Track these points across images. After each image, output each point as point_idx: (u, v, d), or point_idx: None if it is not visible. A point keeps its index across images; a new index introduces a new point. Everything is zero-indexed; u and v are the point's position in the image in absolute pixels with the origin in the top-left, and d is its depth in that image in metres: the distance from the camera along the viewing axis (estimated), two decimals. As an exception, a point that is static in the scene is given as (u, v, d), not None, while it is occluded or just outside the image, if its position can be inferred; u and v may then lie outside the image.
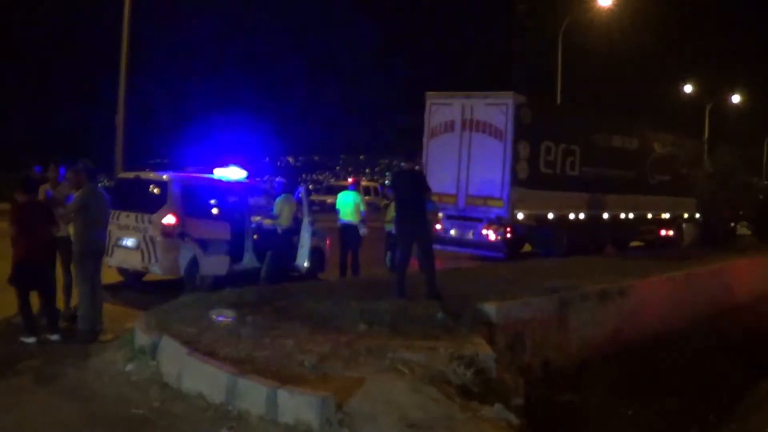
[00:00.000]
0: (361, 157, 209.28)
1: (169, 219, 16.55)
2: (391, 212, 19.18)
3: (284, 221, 18.27)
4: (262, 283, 17.16)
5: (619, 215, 30.37)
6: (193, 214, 17.02)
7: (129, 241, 16.83)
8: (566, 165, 27.23)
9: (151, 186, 17.59)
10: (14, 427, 8.47)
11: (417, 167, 15.17)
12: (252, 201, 18.78)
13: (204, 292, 15.00)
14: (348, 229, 19.52)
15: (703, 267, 24.01)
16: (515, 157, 24.68)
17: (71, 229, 12.90)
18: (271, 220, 18.49)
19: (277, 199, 18.43)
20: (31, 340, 11.83)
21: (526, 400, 11.03)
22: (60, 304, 13.09)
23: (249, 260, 18.19)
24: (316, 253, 19.14)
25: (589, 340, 16.61)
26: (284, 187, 19.31)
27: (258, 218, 18.66)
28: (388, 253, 19.64)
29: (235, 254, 17.77)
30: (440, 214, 20.94)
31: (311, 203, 21.44)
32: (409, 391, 8.80)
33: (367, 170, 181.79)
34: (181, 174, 18.56)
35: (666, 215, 34.46)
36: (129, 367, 10.38)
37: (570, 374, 15.05)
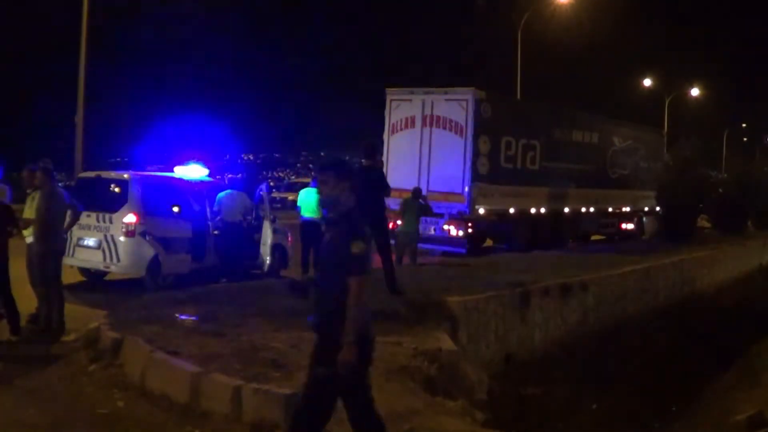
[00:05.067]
0: (322, 153, 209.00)
1: (130, 218, 16.48)
2: None
3: (229, 217, 18.06)
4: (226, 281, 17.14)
5: (580, 209, 30.54)
6: (154, 212, 16.95)
7: (90, 241, 16.73)
8: (527, 160, 27.37)
9: (112, 185, 17.50)
10: (-23, 430, 8.42)
11: (377, 164, 15.07)
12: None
13: (166, 290, 14.96)
14: (310, 226, 19.46)
15: (664, 260, 24.20)
16: (476, 153, 24.77)
17: (26, 232, 12.83)
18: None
19: (219, 195, 18.24)
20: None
21: (490, 395, 11.07)
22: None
23: (210, 258, 18.13)
24: (278, 251, 19.10)
25: (551, 333, 16.72)
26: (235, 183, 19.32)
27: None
28: None
29: (197, 252, 17.70)
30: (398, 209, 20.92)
31: (272, 200, 21.40)
32: (372, 387, 8.82)
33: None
34: (142, 173, 18.48)
35: (627, 209, 34.72)
36: (92, 367, 10.33)
37: (533, 368, 15.13)
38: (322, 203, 6.96)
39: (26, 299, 12.92)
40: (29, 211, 12.82)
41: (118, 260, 16.57)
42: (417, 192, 20.91)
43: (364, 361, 6.43)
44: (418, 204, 20.64)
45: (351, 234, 6.44)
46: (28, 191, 13.25)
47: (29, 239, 12.84)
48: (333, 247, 6.50)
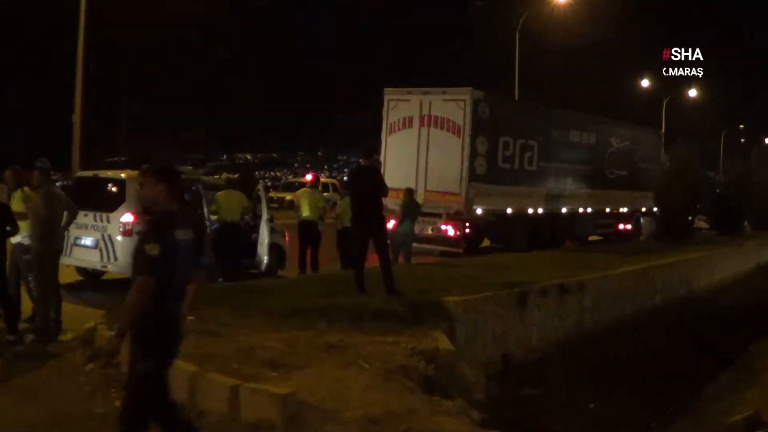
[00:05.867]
0: (320, 153, 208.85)
1: (128, 217, 16.45)
2: (341, 208, 19.12)
3: (226, 216, 17.88)
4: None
5: (577, 210, 30.59)
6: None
7: (88, 240, 16.73)
8: (524, 160, 27.42)
9: (110, 184, 17.48)
10: (-26, 429, 8.41)
11: (375, 164, 15.11)
12: None
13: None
14: (308, 226, 19.46)
15: (661, 260, 24.16)
16: (473, 153, 24.81)
17: (23, 227, 12.79)
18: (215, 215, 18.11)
19: (216, 194, 18.08)
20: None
21: (487, 395, 11.06)
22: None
23: (208, 257, 18.04)
24: (275, 250, 19.06)
25: (549, 334, 16.70)
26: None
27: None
28: (340, 252, 19.56)
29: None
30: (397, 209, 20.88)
31: (270, 200, 21.38)
32: (370, 387, 8.82)
33: (325, 167, 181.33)
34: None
35: (624, 209, 34.77)
36: (89, 366, 10.32)
37: (531, 368, 15.11)
38: (141, 205, 7.12)
39: (24, 299, 12.92)
40: (16, 204, 12.79)
41: (116, 259, 16.54)
42: (410, 192, 20.95)
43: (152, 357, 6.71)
44: (413, 204, 20.68)
45: (149, 235, 6.52)
46: (11, 191, 13.22)
47: (16, 239, 12.75)
48: (138, 246, 6.63)
